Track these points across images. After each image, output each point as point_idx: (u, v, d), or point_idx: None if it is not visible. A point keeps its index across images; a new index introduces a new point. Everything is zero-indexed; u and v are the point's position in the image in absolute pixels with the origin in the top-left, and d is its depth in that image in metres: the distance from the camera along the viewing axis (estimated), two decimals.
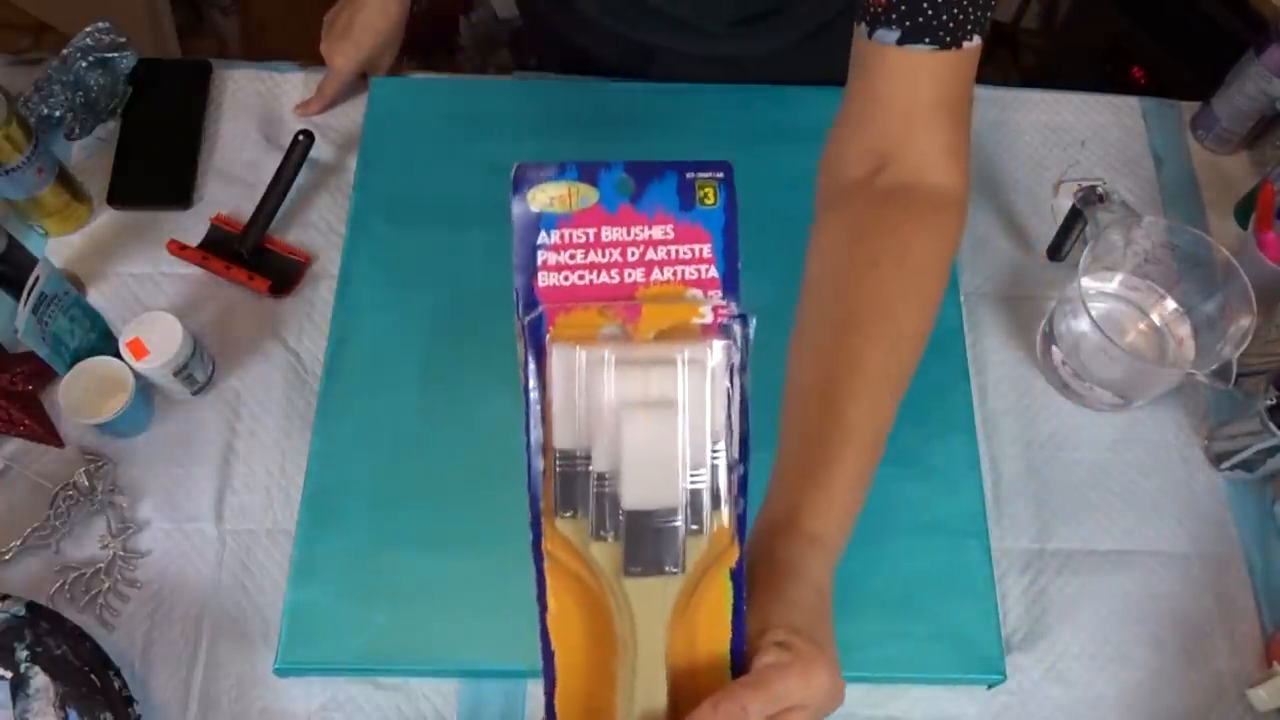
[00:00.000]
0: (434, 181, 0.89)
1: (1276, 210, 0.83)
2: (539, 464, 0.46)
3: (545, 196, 0.45)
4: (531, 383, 0.45)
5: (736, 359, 0.45)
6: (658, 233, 0.46)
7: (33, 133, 0.82)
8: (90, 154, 0.93)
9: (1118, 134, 0.97)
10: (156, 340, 0.77)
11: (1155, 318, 0.86)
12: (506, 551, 0.75)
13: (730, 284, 0.46)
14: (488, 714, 0.73)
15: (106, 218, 0.90)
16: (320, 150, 0.91)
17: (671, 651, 0.48)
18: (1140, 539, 0.80)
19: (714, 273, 0.46)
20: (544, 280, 0.45)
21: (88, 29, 0.92)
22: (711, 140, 0.91)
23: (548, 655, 0.47)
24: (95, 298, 0.86)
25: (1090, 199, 0.82)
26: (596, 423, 0.46)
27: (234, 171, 0.92)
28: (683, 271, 0.46)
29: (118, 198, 0.90)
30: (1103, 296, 0.87)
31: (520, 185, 0.45)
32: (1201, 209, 0.94)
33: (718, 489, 0.46)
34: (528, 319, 0.45)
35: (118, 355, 0.77)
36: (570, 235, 0.45)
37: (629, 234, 0.46)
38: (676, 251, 0.46)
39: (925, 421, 0.81)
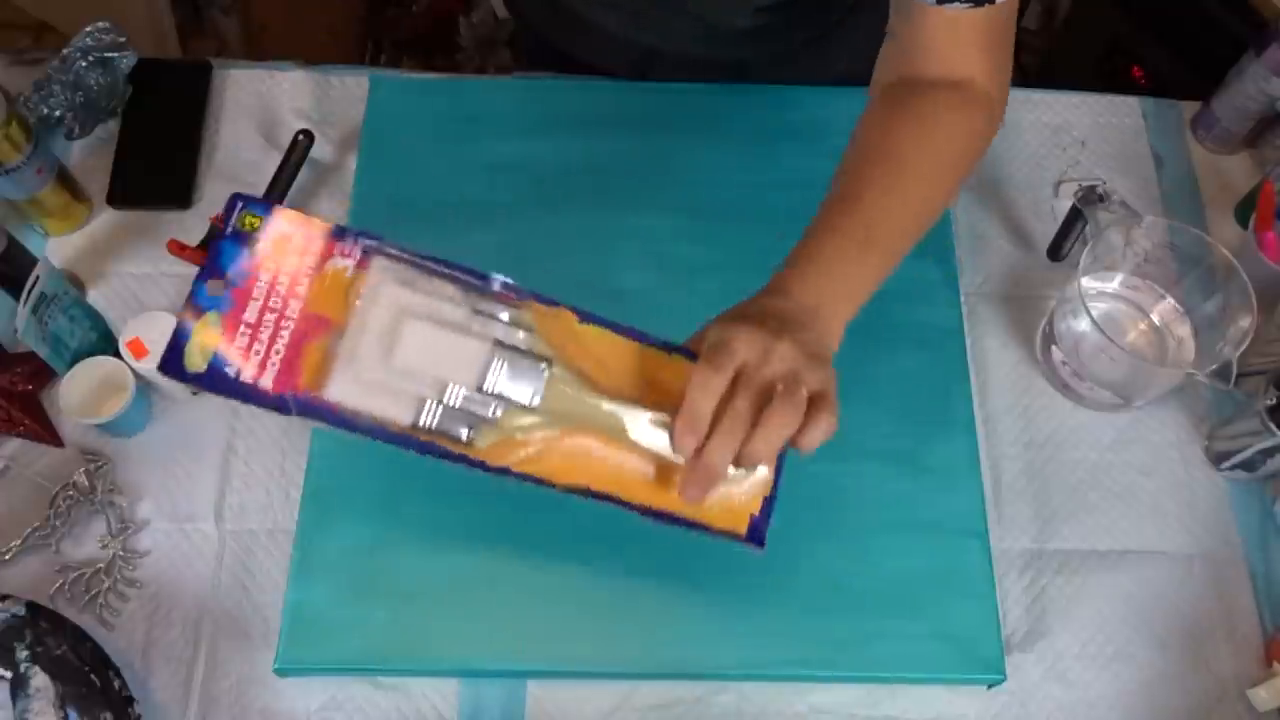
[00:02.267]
0: (434, 181, 0.89)
1: (1276, 210, 0.83)
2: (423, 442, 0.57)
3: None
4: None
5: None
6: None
7: (33, 133, 0.82)
8: (90, 154, 0.93)
9: (1118, 134, 0.97)
10: (156, 340, 0.77)
11: (1155, 318, 0.86)
12: (506, 551, 0.75)
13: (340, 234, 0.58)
14: (488, 714, 0.73)
15: (106, 218, 0.90)
16: (320, 150, 0.91)
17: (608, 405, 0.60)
18: (1140, 539, 0.80)
19: (317, 241, 0.58)
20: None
21: (88, 29, 0.92)
22: (712, 140, 0.91)
23: (595, 495, 0.59)
24: (95, 298, 0.86)
25: (1090, 199, 0.82)
26: (400, 375, 0.57)
27: (234, 171, 0.92)
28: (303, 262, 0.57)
29: (118, 198, 0.90)
30: (1103, 296, 0.87)
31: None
32: (1201, 209, 0.94)
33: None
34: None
35: (118, 355, 0.78)
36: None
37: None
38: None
39: (925, 421, 0.81)
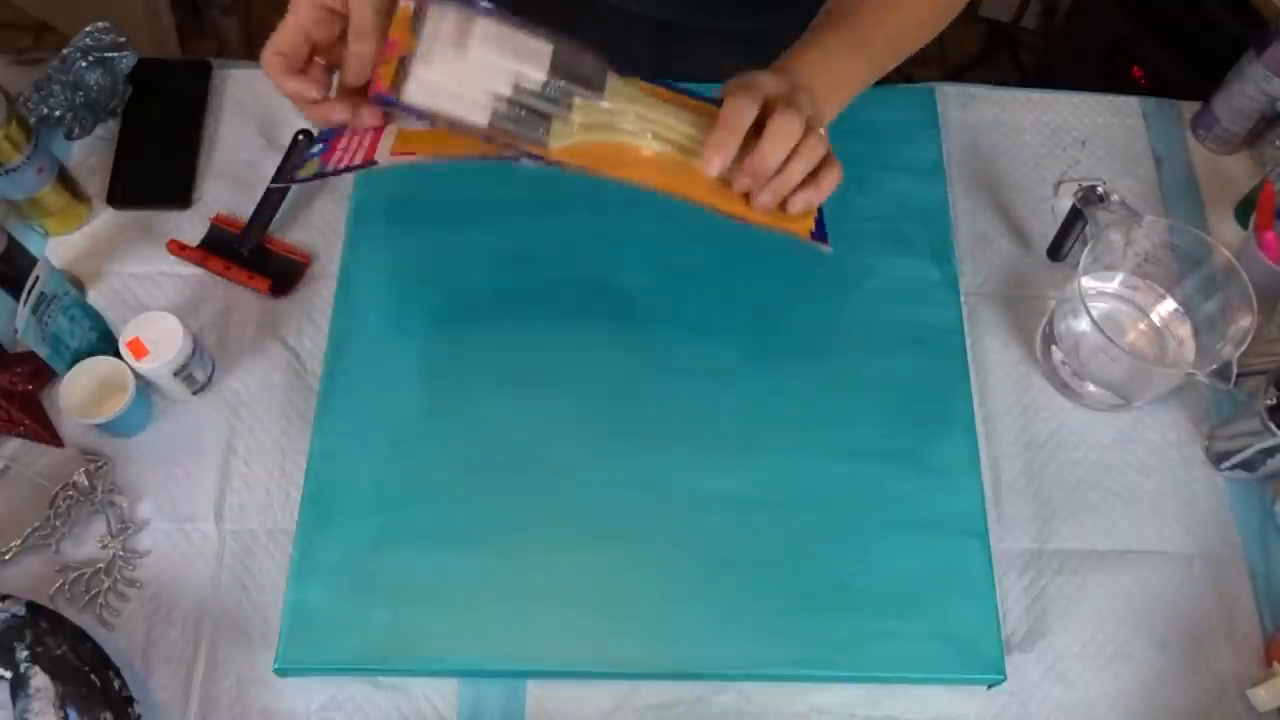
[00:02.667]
0: (434, 181, 0.89)
1: (1276, 210, 0.83)
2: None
3: None
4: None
5: None
6: None
7: (32, 132, 0.82)
8: (90, 154, 0.93)
9: (1118, 134, 0.97)
10: (156, 340, 0.77)
11: (1155, 318, 0.86)
12: (506, 551, 0.75)
13: None
14: (488, 714, 0.73)
15: (106, 218, 0.90)
16: None
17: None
18: (1140, 539, 0.80)
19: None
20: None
21: (88, 29, 0.92)
22: None
23: (665, 192, 0.65)
24: (95, 298, 0.86)
25: (1090, 199, 0.82)
26: (472, 72, 0.61)
27: (234, 171, 0.92)
28: None
29: (118, 198, 0.90)
30: (1103, 296, 0.87)
31: None
32: (1201, 209, 0.94)
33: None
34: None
35: (118, 355, 0.78)
36: None
37: None
38: None
39: (925, 420, 0.81)
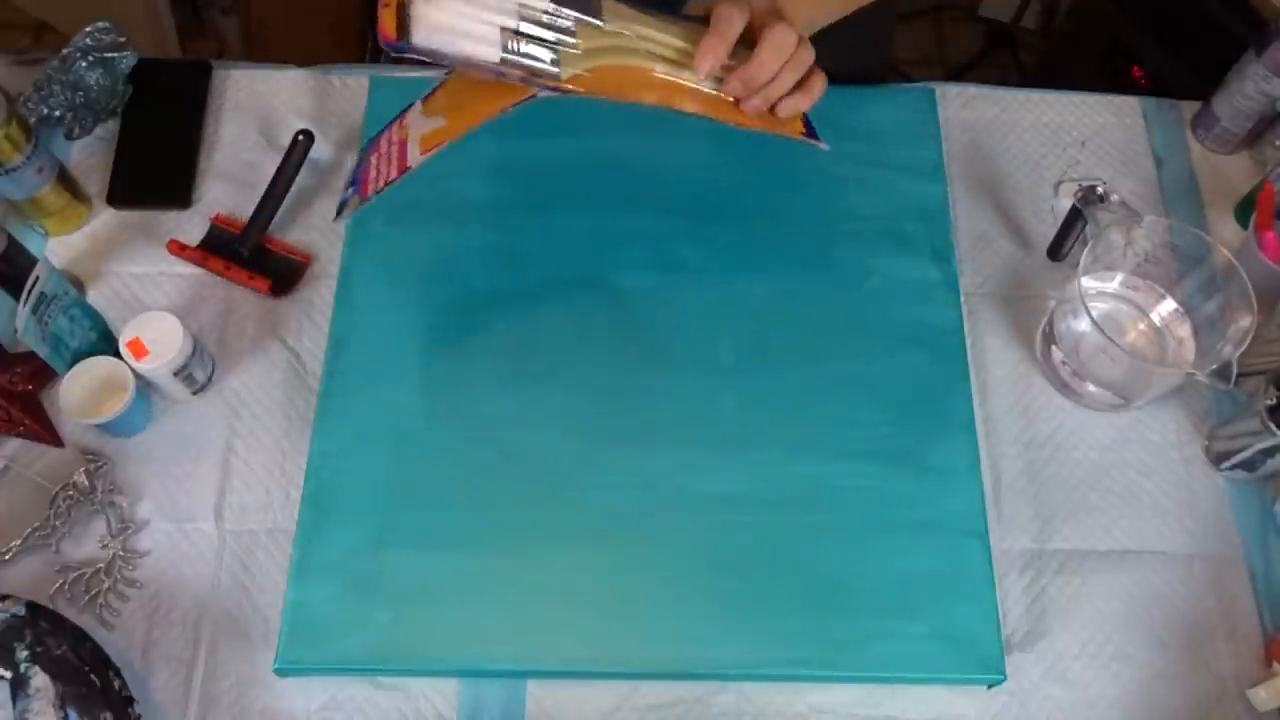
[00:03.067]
0: (434, 181, 0.89)
1: (1276, 210, 0.83)
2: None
3: None
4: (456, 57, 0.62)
5: None
6: None
7: (32, 132, 0.82)
8: (90, 154, 0.93)
9: (1118, 134, 0.97)
10: (156, 340, 0.77)
11: (1155, 318, 0.86)
12: (506, 551, 0.75)
13: None
14: (488, 714, 0.73)
15: (106, 218, 0.90)
16: (320, 150, 0.91)
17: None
18: (1140, 539, 0.80)
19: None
20: None
21: (88, 29, 0.92)
22: (715, 141, 0.91)
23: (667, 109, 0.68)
24: (95, 298, 0.86)
25: (1090, 199, 0.82)
26: (476, 8, 0.62)
27: (234, 171, 0.92)
28: None
29: (118, 198, 0.90)
30: (1103, 296, 0.87)
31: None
32: (1201, 209, 0.94)
33: None
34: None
35: (118, 355, 0.78)
36: None
37: None
38: None
39: (925, 420, 0.81)
